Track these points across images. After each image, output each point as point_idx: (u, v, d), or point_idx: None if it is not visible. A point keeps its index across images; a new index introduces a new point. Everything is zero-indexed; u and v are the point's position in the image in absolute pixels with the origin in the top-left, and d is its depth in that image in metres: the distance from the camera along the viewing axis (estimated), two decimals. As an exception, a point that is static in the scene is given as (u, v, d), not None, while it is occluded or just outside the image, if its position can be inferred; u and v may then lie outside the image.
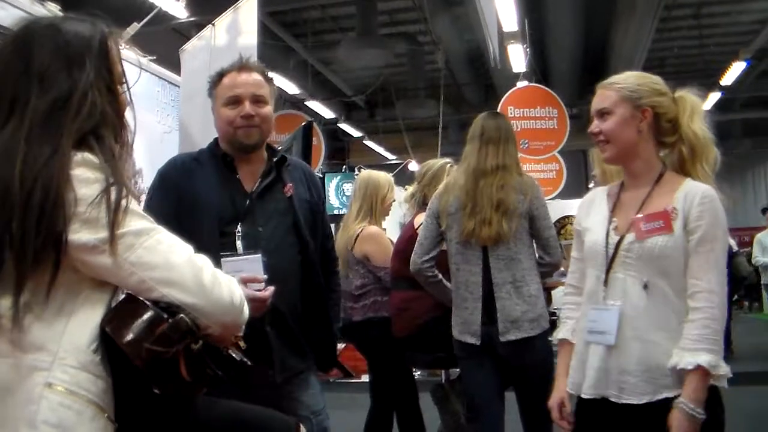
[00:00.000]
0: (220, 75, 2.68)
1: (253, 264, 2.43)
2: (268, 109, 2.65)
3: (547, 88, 10.70)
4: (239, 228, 2.55)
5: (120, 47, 1.70)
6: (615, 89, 2.40)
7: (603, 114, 2.40)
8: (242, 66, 2.67)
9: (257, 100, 2.62)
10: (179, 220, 2.49)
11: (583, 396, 2.34)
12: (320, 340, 2.75)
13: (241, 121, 2.60)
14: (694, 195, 2.27)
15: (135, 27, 4.21)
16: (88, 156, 1.51)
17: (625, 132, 2.36)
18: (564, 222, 12.86)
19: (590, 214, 2.49)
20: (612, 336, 2.27)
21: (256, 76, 2.66)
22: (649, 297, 2.26)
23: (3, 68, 1.58)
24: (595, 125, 2.41)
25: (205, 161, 2.69)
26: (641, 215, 2.32)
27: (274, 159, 2.69)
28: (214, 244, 2.45)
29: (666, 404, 2.18)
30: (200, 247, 2.33)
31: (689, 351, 2.17)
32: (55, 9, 3.40)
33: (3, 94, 1.55)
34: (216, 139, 2.75)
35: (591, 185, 15.96)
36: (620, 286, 2.30)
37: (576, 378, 2.40)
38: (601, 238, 2.38)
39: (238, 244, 2.53)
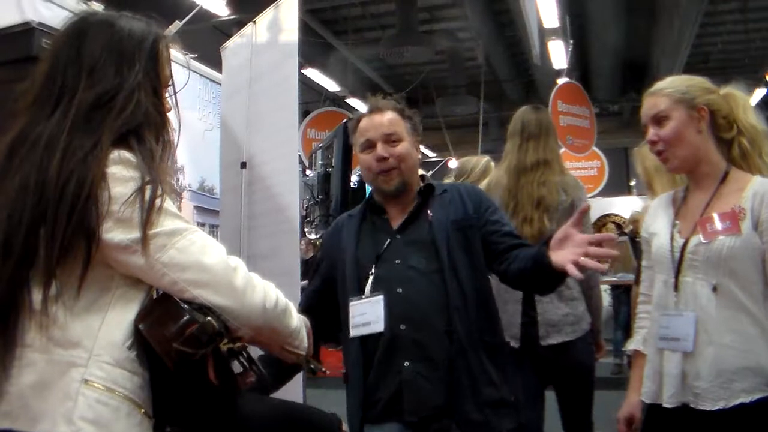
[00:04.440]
0: (357, 120, 2.64)
1: (375, 305, 2.40)
2: (402, 146, 2.53)
3: (580, 86, 10.62)
4: (373, 269, 2.47)
5: (170, 51, 1.70)
6: (665, 94, 2.30)
7: (659, 120, 2.29)
8: (374, 108, 2.61)
9: (389, 140, 2.53)
10: (337, 282, 2.58)
11: (666, 405, 2.23)
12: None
13: (377, 166, 2.53)
14: (764, 194, 2.18)
15: (177, 25, 4.24)
16: (125, 154, 1.51)
17: (687, 135, 2.26)
18: (605, 220, 12.71)
19: (656, 219, 2.40)
20: (689, 343, 2.18)
21: (389, 115, 2.57)
22: (718, 300, 2.16)
23: (55, 57, 1.60)
24: (653, 134, 2.30)
25: (356, 213, 2.67)
26: (706, 216, 2.23)
27: (420, 187, 2.58)
28: (352, 290, 2.47)
29: (743, 411, 2.10)
30: (344, 296, 2.51)
31: None
32: (98, 7, 3.44)
33: (53, 82, 1.57)
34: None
35: (633, 183, 15.82)
36: (689, 290, 2.22)
37: (651, 386, 2.31)
38: (665, 242, 2.29)
39: (367, 286, 2.46)
